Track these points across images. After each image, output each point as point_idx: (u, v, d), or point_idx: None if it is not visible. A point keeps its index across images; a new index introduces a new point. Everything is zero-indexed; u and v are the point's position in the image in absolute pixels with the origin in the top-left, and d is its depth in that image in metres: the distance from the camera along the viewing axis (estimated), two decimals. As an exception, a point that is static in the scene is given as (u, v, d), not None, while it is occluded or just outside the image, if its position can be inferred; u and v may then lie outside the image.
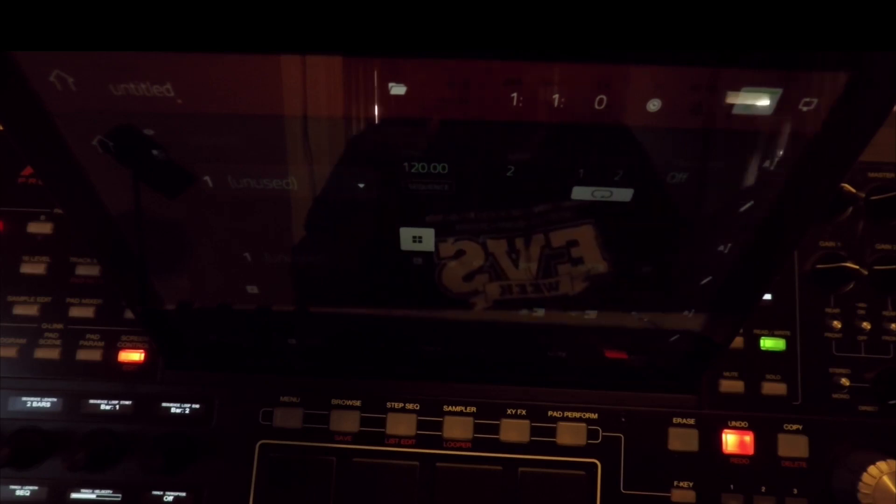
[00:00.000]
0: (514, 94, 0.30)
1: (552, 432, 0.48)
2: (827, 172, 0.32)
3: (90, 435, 0.48)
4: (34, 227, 0.51)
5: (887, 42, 0.25)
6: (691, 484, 0.48)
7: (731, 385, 0.49)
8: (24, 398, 0.49)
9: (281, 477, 0.48)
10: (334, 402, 0.49)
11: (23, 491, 0.48)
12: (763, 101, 0.29)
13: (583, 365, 0.49)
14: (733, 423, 0.48)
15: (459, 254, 0.40)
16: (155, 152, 0.34)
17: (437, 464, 0.48)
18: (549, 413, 0.49)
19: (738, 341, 0.49)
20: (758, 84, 0.29)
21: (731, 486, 0.47)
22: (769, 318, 0.50)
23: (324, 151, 0.34)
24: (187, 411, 0.50)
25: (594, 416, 0.49)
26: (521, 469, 0.48)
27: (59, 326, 0.50)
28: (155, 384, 0.50)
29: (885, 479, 0.44)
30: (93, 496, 0.49)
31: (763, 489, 0.47)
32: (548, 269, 0.41)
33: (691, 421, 0.49)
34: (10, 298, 0.50)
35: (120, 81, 0.30)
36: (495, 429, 0.49)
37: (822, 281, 0.49)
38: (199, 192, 0.36)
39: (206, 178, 0.35)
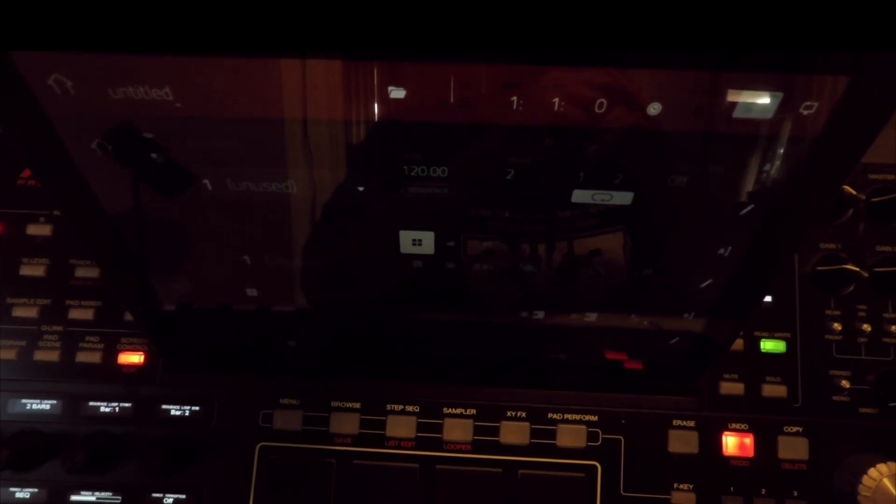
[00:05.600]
0: (514, 98, 0.30)
1: (552, 434, 0.48)
2: (828, 175, 0.32)
3: (90, 437, 0.48)
4: (33, 230, 0.51)
5: (887, 42, 0.25)
6: (691, 486, 0.48)
7: (732, 387, 0.49)
8: (23, 400, 0.49)
9: (281, 479, 0.48)
10: (334, 404, 0.49)
11: (22, 493, 0.48)
12: (764, 105, 0.29)
13: (583, 367, 0.49)
14: (733, 426, 0.48)
15: (487, 253, 0.40)
16: (154, 155, 0.33)
17: (437, 466, 0.48)
18: (549, 415, 0.49)
19: (739, 343, 0.49)
20: (758, 87, 0.29)
21: (731, 489, 0.47)
22: (769, 320, 0.49)
23: (323, 155, 0.34)
24: (187, 413, 0.49)
25: (594, 418, 0.49)
26: (520, 471, 0.48)
27: (59, 328, 0.50)
28: (154, 386, 0.50)
29: (886, 481, 0.44)
30: (92, 498, 0.49)
31: (763, 491, 0.47)
32: (568, 276, 0.41)
33: (691, 423, 0.48)
34: (9, 300, 0.50)
35: (118, 85, 0.29)
36: (495, 431, 0.49)
37: (822, 283, 0.49)
38: (198, 195, 0.36)
39: (206, 181, 0.35)
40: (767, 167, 0.32)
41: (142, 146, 0.33)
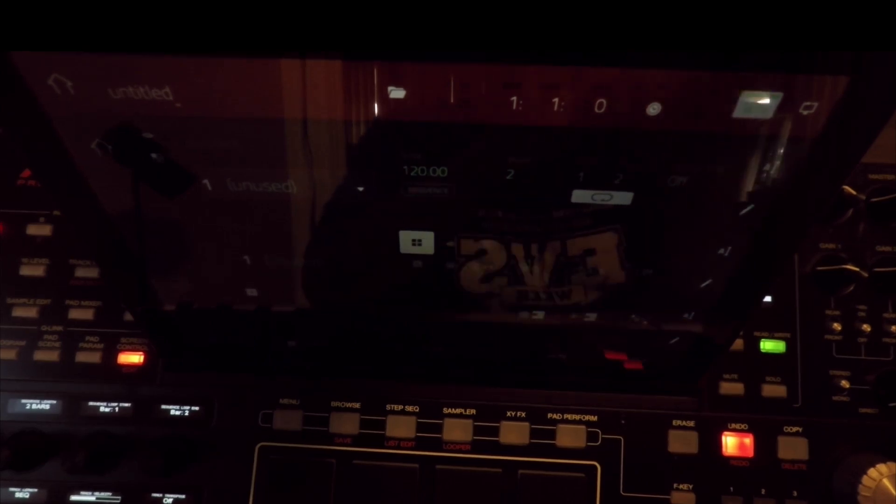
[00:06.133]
0: (514, 98, 0.30)
1: (552, 434, 0.48)
2: (828, 175, 0.32)
3: (90, 437, 0.48)
4: (33, 230, 0.51)
5: (887, 42, 0.25)
6: (691, 486, 0.48)
7: (731, 387, 0.49)
8: (23, 400, 0.49)
9: (280, 479, 0.48)
10: (334, 404, 0.49)
11: (22, 493, 0.48)
12: (763, 105, 0.29)
13: (583, 367, 0.49)
14: (733, 426, 0.48)
15: (481, 253, 0.39)
16: (154, 155, 0.33)
17: (437, 466, 0.48)
18: (549, 415, 0.49)
19: (739, 343, 0.49)
20: (758, 88, 0.29)
21: (731, 489, 0.47)
22: (769, 320, 0.49)
23: (323, 155, 0.34)
24: (187, 413, 0.49)
25: (594, 418, 0.49)
26: (520, 471, 0.48)
27: (59, 328, 0.50)
28: (154, 386, 0.50)
29: (886, 481, 0.44)
30: (92, 498, 0.49)
31: (763, 492, 0.47)
32: (562, 277, 0.41)
33: (691, 423, 0.48)
34: (9, 300, 0.50)
35: (118, 85, 0.29)
36: (495, 431, 0.49)
37: (822, 283, 0.49)
38: (198, 195, 0.36)
39: (206, 181, 0.35)
40: (767, 167, 0.32)
41: (142, 146, 0.33)
